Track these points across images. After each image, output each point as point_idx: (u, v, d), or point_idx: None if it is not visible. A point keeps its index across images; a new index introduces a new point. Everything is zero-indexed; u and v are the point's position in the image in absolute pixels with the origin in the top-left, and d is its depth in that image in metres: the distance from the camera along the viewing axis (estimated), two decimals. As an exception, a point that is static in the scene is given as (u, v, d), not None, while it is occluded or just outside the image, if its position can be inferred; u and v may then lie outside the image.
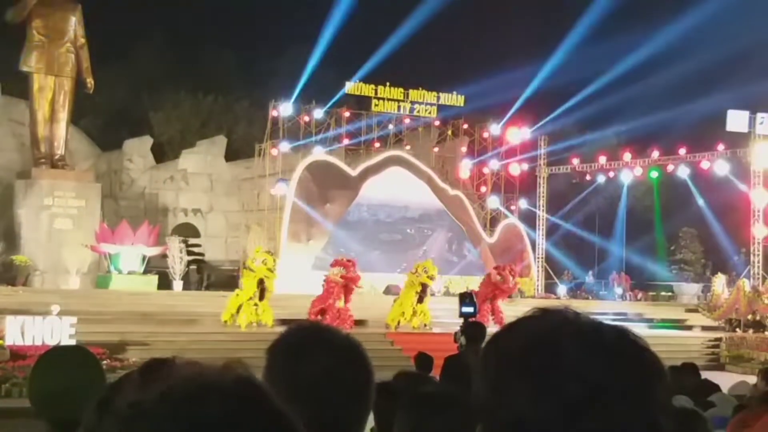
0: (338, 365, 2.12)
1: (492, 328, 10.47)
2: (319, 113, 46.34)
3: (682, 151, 46.62)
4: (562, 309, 1.38)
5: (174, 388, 1.19)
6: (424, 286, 31.11)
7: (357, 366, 2.17)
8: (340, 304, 29.99)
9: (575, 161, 50.78)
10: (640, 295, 48.56)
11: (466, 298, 12.21)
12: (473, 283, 36.83)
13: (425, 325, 30.88)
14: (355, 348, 2.20)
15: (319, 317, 28.42)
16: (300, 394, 1.94)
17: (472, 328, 9.14)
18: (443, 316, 29.32)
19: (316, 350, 2.14)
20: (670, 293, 49.68)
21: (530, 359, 1.29)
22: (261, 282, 29.21)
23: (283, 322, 28.72)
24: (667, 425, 1.29)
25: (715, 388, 7.90)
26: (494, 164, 50.62)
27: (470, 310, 11.81)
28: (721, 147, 44.82)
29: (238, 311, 29.22)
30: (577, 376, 1.26)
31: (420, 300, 31.05)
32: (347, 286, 29.93)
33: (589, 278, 52.36)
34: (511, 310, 30.16)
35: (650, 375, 1.31)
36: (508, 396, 1.29)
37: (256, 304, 29.11)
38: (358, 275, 30.54)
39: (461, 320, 12.66)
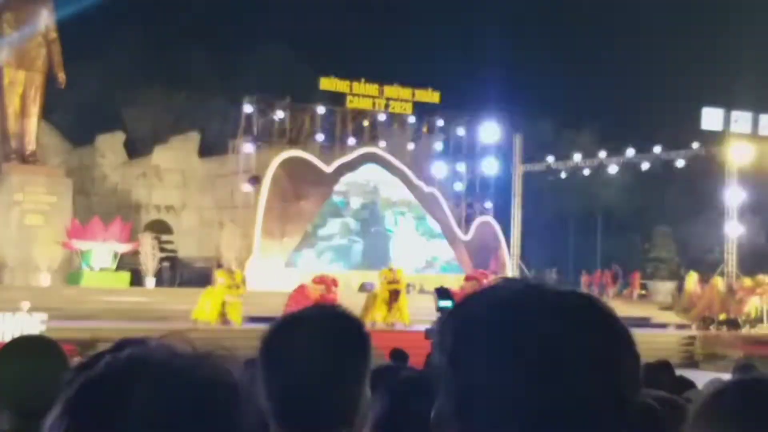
0: (324, 349, 2.10)
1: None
2: (293, 109, 46.14)
3: (657, 149, 46.71)
4: (526, 277, 1.25)
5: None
6: (392, 293, 30.76)
7: (344, 350, 2.14)
8: None
9: (550, 159, 50.81)
10: (611, 292, 48.53)
11: (442, 292, 12.06)
12: (447, 281, 36.72)
13: (406, 325, 30.49)
14: (344, 332, 2.18)
15: None
16: (292, 378, 2.04)
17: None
18: (417, 314, 29.22)
19: (307, 335, 2.14)
20: (644, 291, 49.85)
21: (489, 324, 1.22)
22: (223, 303, 29.11)
23: (252, 319, 28.71)
24: (633, 397, 1.21)
25: (691, 385, 7.79)
26: (469, 161, 50.59)
27: (448, 304, 11.63)
28: (695, 145, 44.97)
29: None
30: (537, 341, 1.18)
31: (395, 300, 30.70)
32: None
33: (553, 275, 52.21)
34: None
35: (616, 343, 1.23)
36: (466, 364, 1.21)
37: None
38: (336, 296, 29.62)
39: (436, 318, 12.51)
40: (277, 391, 2.03)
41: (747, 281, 37.21)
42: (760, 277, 37.35)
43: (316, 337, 2.12)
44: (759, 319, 36.96)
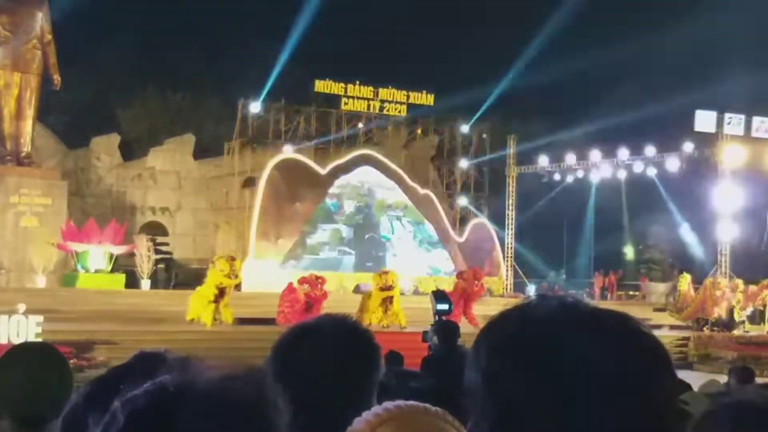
0: (336, 360, 2.12)
1: (464, 329, 10.40)
2: (288, 111, 46.17)
3: (650, 151, 46.75)
4: (560, 295, 1.31)
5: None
6: (385, 300, 30.60)
7: (356, 360, 2.15)
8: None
9: (544, 161, 50.81)
10: (609, 296, 48.59)
11: (439, 295, 12.10)
12: (443, 283, 36.71)
13: (402, 327, 30.38)
14: (355, 343, 2.19)
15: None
16: (301, 388, 1.98)
17: (445, 327, 9.05)
18: (413, 315, 29.19)
19: (317, 345, 2.14)
20: (638, 292, 49.92)
21: (525, 343, 1.22)
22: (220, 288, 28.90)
23: (243, 321, 28.69)
24: (669, 416, 1.22)
25: (686, 386, 7.85)
26: (463, 163, 50.65)
27: (445, 307, 11.71)
28: (689, 147, 45.02)
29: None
30: (574, 361, 1.19)
31: (389, 304, 30.58)
32: (309, 304, 28.73)
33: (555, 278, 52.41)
34: (481, 309, 30.12)
35: (652, 363, 1.24)
36: (502, 382, 1.22)
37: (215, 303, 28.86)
38: (325, 293, 29.49)
39: (432, 320, 12.52)
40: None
41: (722, 282, 37.77)
42: (723, 279, 38.09)
43: (327, 347, 2.12)
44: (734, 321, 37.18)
